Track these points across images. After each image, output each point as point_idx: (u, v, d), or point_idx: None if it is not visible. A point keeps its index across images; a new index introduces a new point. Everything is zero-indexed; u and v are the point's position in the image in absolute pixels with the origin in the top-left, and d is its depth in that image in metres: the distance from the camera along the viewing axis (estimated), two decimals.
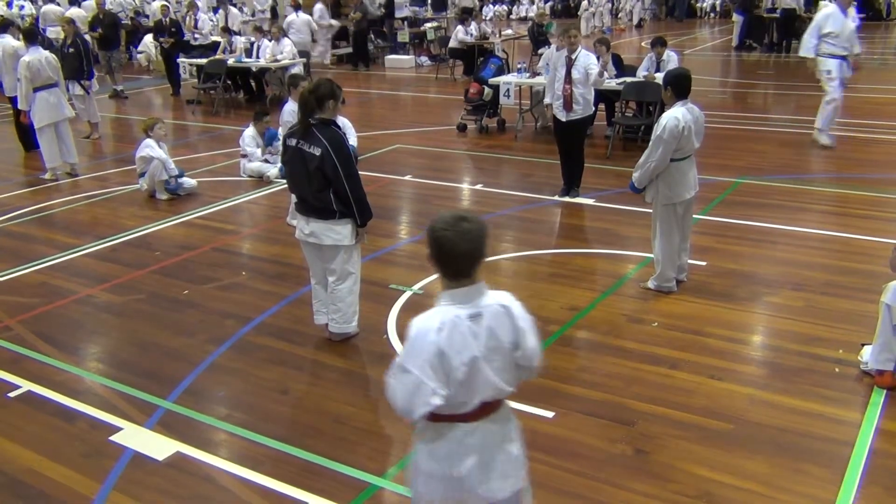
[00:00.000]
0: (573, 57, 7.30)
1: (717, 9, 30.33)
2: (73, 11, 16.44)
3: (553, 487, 3.53)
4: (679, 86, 5.14)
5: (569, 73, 7.28)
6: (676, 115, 5.08)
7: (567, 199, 7.72)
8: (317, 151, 4.34)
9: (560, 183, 7.87)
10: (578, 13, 25.93)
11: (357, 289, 4.83)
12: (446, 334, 2.28)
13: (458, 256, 2.29)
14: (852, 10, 9.17)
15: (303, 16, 16.31)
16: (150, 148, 8.17)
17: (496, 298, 2.38)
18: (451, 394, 2.31)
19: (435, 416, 2.37)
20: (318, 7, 17.78)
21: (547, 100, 7.75)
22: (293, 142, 4.44)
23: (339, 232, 4.57)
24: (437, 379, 2.28)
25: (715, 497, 3.44)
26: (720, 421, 3.99)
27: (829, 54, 9.02)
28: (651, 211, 5.52)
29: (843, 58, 8.99)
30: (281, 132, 8.70)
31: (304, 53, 14.69)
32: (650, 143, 5.21)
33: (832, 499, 3.41)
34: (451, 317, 2.30)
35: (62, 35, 11.67)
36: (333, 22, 18.07)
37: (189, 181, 8.44)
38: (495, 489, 2.47)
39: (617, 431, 3.94)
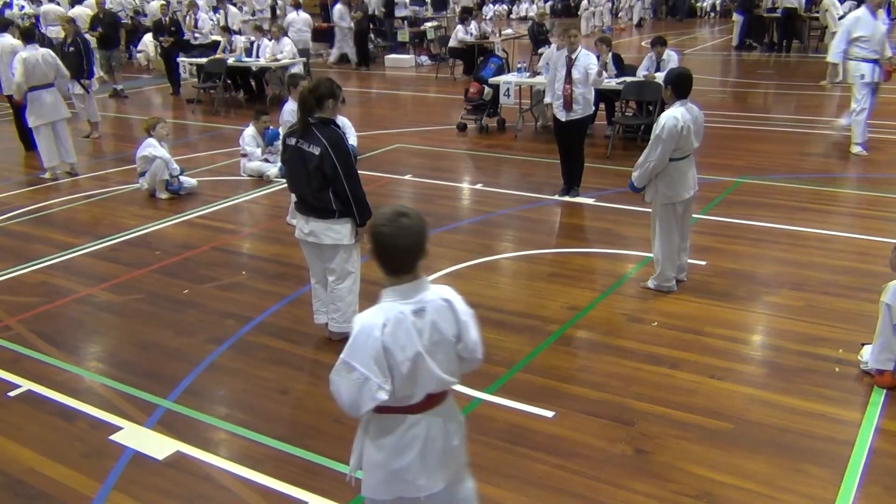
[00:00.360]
0: (573, 57, 7.30)
1: (717, 8, 30.31)
2: (77, 10, 16.48)
3: (553, 487, 3.54)
4: (679, 85, 5.14)
5: (569, 72, 7.28)
6: (675, 114, 5.08)
7: (567, 198, 7.72)
8: (316, 150, 4.33)
9: (560, 182, 7.87)
10: (578, 13, 25.91)
11: (357, 288, 4.82)
12: (390, 331, 2.32)
13: (398, 252, 2.34)
14: (882, 13, 8.94)
15: (303, 14, 16.36)
16: (152, 147, 8.18)
17: (438, 293, 2.43)
18: (395, 388, 2.35)
19: (380, 409, 2.40)
20: (339, 8, 17.77)
21: (547, 99, 7.75)
22: (293, 141, 4.44)
23: (339, 231, 4.57)
24: (382, 374, 2.32)
25: (715, 497, 3.44)
26: (720, 421, 3.99)
27: (861, 58, 8.78)
28: (651, 210, 5.52)
29: (875, 62, 8.80)
30: (281, 132, 8.72)
31: (304, 52, 14.71)
32: (649, 142, 5.22)
33: (832, 498, 3.41)
34: (394, 313, 2.34)
35: (62, 34, 11.66)
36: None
37: (189, 180, 8.45)
38: (435, 481, 2.53)
39: (617, 431, 3.93)
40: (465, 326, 2.44)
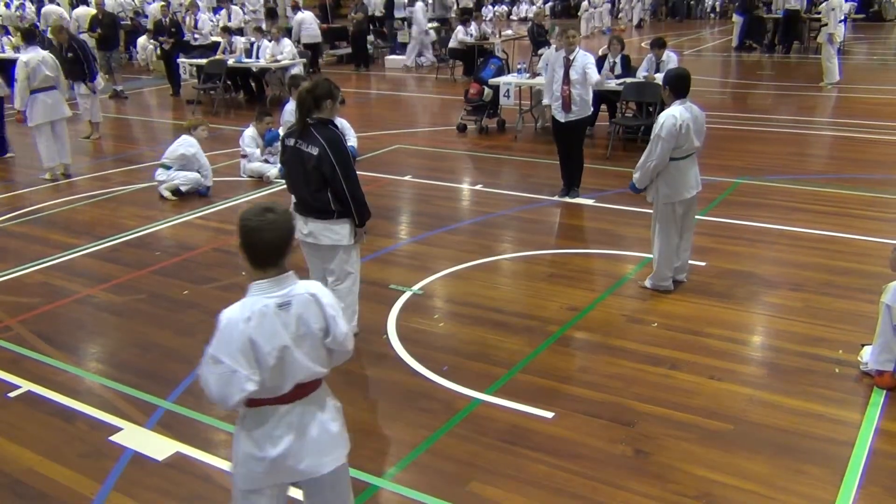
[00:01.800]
0: (571, 58, 7.29)
1: (717, 9, 30.29)
2: (80, 11, 16.55)
3: (553, 487, 3.54)
4: (677, 85, 5.17)
5: (567, 73, 7.28)
6: (674, 113, 5.10)
7: (567, 199, 7.72)
8: (314, 151, 4.32)
9: (560, 183, 7.87)
10: (578, 13, 25.90)
11: (356, 289, 4.82)
12: (255, 323, 2.40)
13: (264, 245, 2.43)
14: None
15: (308, 12, 16.80)
16: (198, 152, 8.28)
17: (305, 287, 2.51)
18: (263, 379, 2.42)
19: (253, 402, 2.48)
20: (420, 6, 17.58)
21: (545, 100, 7.75)
22: (291, 141, 4.44)
23: (338, 232, 4.56)
24: (249, 366, 2.39)
25: (715, 497, 3.44)
26: (720, 421, 3.99)
27: None
28: (651, 210, 5.52)
29: None
30: (281, 132, 8.74)
31: (315, 46, 15.54)
32: (649, 142, 5.23)
33: (832, 499, 3.41)
34: (259, 306, 2.43)
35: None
36: (430, 30, 17.84)
37: (202, 180, 8.55)
38: (315, 465, 2.59)
39: (617, 432, 3.94)
40: (332, 320, 2.52)
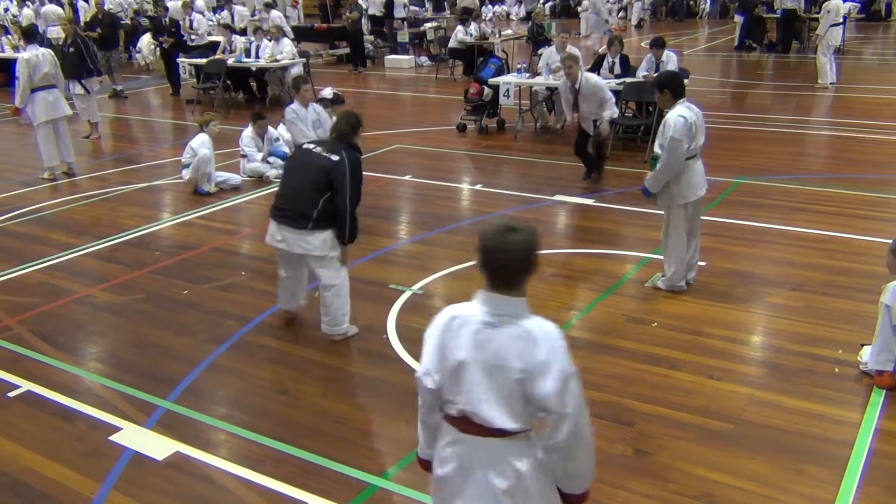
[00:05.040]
0: (577, 87, 7.37)
1: (717, 9, 30.23)
2: (28, 12, 16.63)
3: None
4: (676, 86, 5.17)
5: (576, 103, 7.41)
6: (682, 113, 5.06)
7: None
8: (334, 157, 4.51)
9: (560, 183, 7.91)
10: (578, 12, 25.86)
11: (344, 292, 4.87)
12: (455, 326, 2.30)
13: (497, 266, 2.23)
14: None
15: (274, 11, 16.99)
16: (200, 144, 8.31)
17: (528, 324, 2.24)
18: (440, 383, 2.35)
19: (445, 416, 2.41)
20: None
21: (568, 118, 8.27)
22: (310, 146, 4.55)
23: (311, 242, 4.65)
24: (433, 363, 2.34)
25: (715, 497, 3.44)
26: (720, 421, 3.99)
27: None
28: (659, 212, 5.49)
29: None
30: (282, 130, 8.79)
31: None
32: (664, 149, 5.09)
33: (831, 499, 3.41)
34: (466, 313, 2.30)
35: (63, 35, 11.63)
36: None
37: (234, 177, 8.64)
38: None
39: (617, 431, 3.94)
40: (540, 369, 2.18)
